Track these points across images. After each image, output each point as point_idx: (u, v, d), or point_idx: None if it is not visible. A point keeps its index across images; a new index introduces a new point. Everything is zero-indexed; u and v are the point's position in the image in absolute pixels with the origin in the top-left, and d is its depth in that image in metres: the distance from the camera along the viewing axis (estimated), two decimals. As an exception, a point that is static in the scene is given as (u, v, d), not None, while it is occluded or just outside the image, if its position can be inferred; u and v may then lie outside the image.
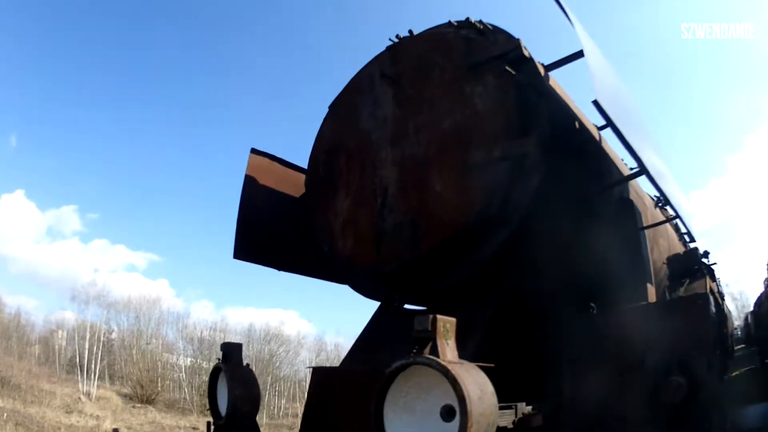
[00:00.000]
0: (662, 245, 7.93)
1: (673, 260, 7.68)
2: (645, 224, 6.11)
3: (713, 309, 5.14)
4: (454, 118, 4.92)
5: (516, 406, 4.14)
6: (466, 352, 4.03)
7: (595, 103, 4.04)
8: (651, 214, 7.04)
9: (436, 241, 4.77)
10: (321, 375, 5.39)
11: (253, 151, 6.39)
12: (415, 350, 2.98)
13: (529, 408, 4.29)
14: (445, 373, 2.76)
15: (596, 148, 5.21)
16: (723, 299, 14.97)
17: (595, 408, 5.19)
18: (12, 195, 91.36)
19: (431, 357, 2.87)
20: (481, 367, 3.36)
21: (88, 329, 39.07)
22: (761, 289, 22.02)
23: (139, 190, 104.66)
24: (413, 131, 5.18)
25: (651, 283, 5.72)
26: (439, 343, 2.92)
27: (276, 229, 6.31)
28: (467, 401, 2.69)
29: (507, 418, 3.89)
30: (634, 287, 5.51)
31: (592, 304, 5.85)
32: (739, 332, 42.35)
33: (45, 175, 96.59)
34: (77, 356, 37.56)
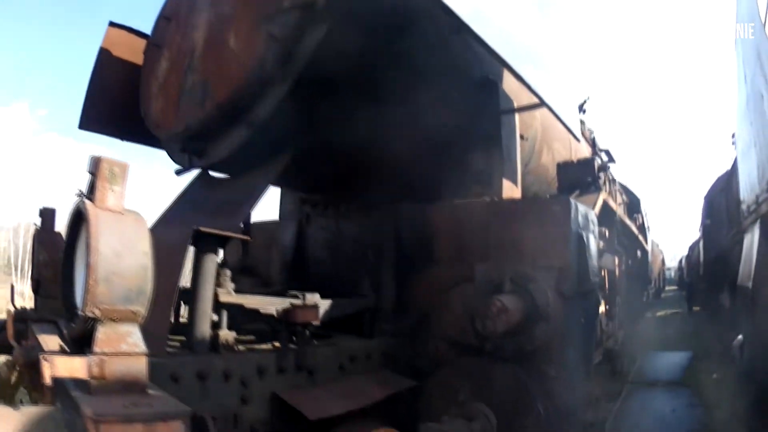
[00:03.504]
0: (558, 150, 7.19)
1: (563, 167, 6.78)
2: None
3: (579, 219, 4.29)
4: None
5: (304, 296, 3.81)
6: (232, 221, 3.80)
7: None
8: (542, 113, 6.09)
9: (217, 99, 4.21)
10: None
11: (112, 24, 5.81)
12: (80, 193, 2.55)
13: (311, 300, 3.86)
14: (85, 217, 2.30)
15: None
16: (644, 229, 14.30)
17: (412, 321, 4.51)
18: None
19: (84, 200, 2.38)
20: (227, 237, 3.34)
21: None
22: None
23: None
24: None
25: (512, 181, 4.86)
26: (99, 185, 2.38)
27: (124, 101, 5.74)
28: (92, 252, 2.21)
29: (275, 306, 3.65)
30: (486, 180, 4.87)
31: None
32: (673, 274, 43.77)
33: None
34: None
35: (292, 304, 3.68)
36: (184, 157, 4.83)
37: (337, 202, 5.40)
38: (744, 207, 6.61)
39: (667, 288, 38.47)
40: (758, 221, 5.34)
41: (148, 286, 2.32)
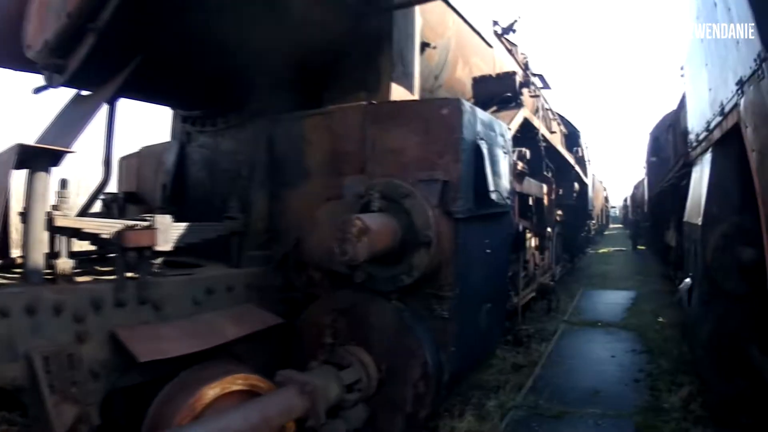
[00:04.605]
0: (477, 65, 6.63)
1: (480, 81, 6.21)
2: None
3: (478, 127, 3.68)
4: None
5: (154, 218, 3.31)
6: (65, 137, 3.36)
7: None
8: (457, 25, 5.48)
9: (68, 9, 3.65)
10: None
11: None
12: None
13: (160, 223, 3.32)
14: None
15: None
16: (583, 162, 13.88)
17: (285, 246, 3.98)
18: None
19: None
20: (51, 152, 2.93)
21: None
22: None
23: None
24: None
25: (407, 87, 4.39)
26: None
27: (14, 30, 4.95)
28: None
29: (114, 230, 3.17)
30: (374, 85, 4.27)
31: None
32: (618, 212, 44.79)
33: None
34: None
35: (126, 226, 3.16)
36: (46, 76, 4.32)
37: (215, 117, 4.78)
38: (692, 137, 6.06)
39: (611, 226, 39.20)
40: (709, 150, 4.78)
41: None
